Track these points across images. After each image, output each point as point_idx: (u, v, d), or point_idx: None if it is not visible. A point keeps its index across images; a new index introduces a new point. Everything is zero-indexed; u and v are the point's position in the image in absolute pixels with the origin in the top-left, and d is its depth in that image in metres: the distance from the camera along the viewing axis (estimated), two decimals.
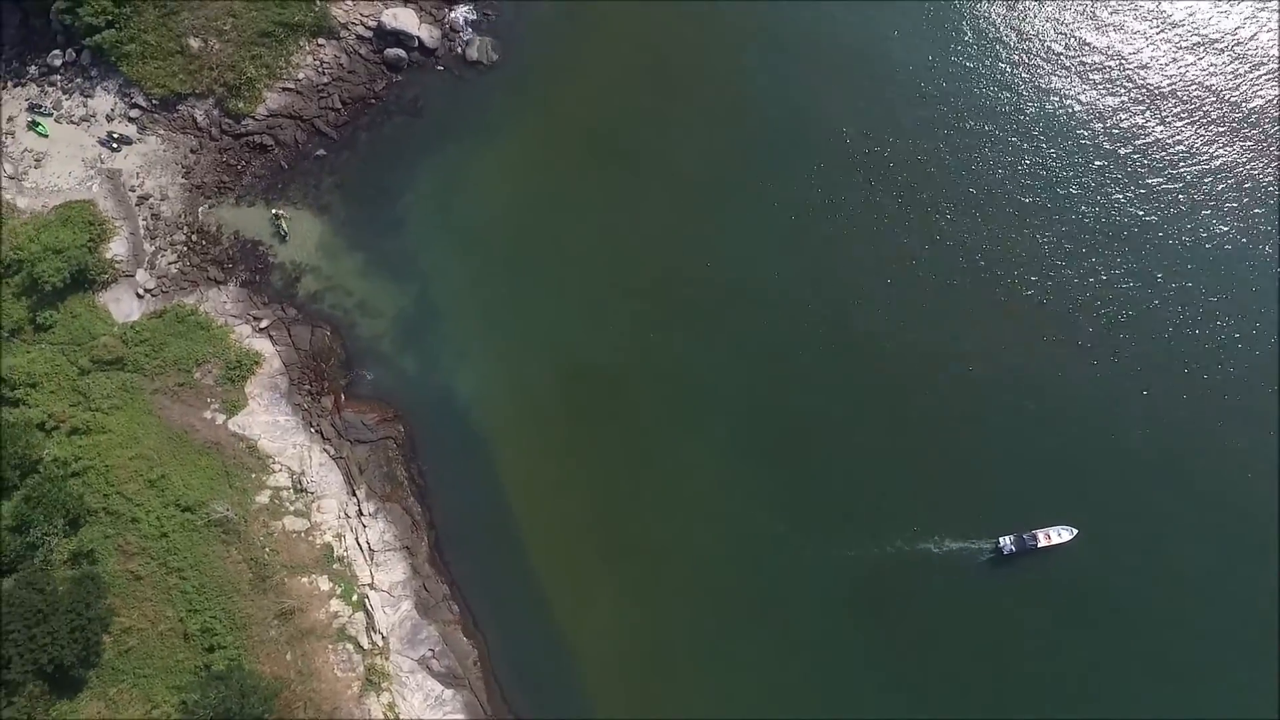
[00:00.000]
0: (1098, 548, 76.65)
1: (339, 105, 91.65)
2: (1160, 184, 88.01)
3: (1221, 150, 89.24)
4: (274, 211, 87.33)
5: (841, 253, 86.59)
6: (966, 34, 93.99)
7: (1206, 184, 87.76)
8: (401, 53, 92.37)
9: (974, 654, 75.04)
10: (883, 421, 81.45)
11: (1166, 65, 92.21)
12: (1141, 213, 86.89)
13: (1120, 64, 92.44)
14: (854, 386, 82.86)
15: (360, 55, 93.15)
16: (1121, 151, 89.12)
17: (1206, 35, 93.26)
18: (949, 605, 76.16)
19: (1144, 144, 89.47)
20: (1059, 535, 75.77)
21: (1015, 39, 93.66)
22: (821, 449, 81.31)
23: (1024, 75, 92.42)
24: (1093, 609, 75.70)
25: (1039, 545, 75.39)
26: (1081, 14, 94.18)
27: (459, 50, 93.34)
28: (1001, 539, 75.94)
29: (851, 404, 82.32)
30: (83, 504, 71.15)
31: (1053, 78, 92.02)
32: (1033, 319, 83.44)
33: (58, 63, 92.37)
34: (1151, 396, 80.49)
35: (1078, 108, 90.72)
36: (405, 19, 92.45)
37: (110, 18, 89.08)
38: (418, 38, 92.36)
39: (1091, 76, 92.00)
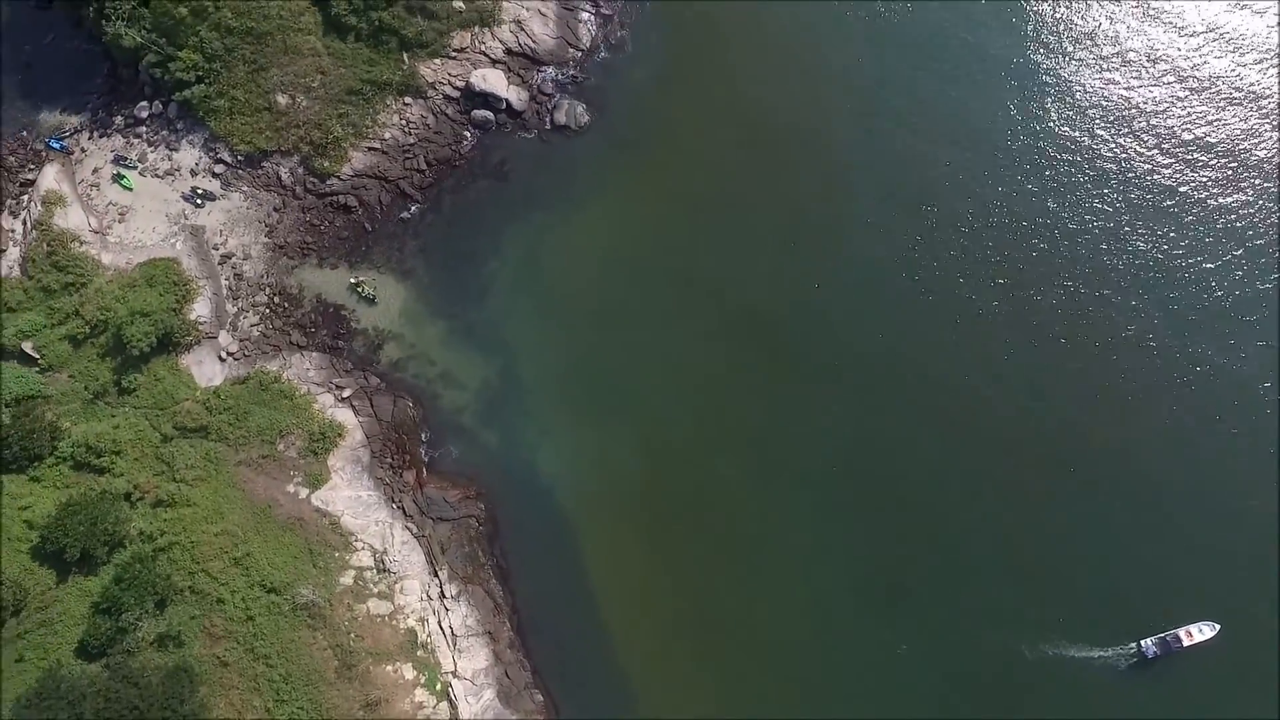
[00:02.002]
0: (1242, 643, 73.43)
1: (424, 166, 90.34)
2: None
3: None
4: (353, 279, 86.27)
5: (943, 320, 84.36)
6: (1062, 109, 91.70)
7: None
8: (489, 114, 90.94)
9: None
10: (990, 503, 78.93)
11: None
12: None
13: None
14: (962, 464, 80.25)
15: (447, 115, 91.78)
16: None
17: None
18: None
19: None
20: (1201, 632, 72.76)
21: (1108, 131, 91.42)
22: (922, 532, 78.75)
23: (1124, 163, 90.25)
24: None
25: (1183, 645, 72.47)
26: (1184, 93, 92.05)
27: (547, 113, 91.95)
28: (1143, 641, 72.92)
29: (958, 483, 79.86)
30: (170, 584, 70.24)
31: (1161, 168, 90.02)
32: (1156, 396, 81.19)
33: (144, 114, 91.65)
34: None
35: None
36: (494, 80, 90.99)
37: (201, 73, 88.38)
38: (506, 100, 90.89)
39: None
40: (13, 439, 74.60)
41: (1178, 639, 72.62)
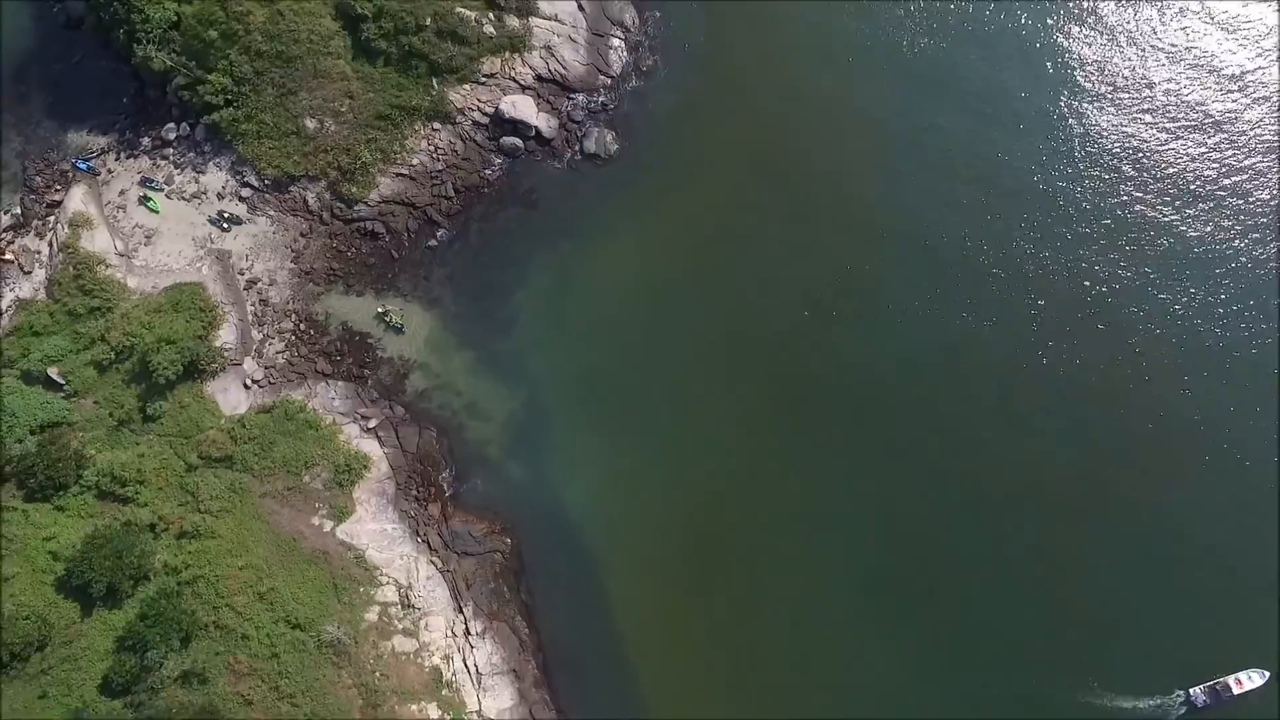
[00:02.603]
0: None
1: (452, 193, 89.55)
2: None
3: None
4: (380, 309, 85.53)
5: (972, 365, 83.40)
6: (1085, 146, 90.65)
7: None
8: (518, 142, 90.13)
9: None
10: (1024, 551, 77.65)
11: None
12: None
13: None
14: (995, 511, 78.97)
15: (475, 142, 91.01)
16: None
17: None
18: None
19: None
20: (1251, 680, 71.61)
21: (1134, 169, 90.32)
22: (961, 582, 77.58)
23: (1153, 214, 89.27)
24: None
25: (1233, 694, 71.25)
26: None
27: (576, 141, 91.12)
28: (1192, 690, 71.89)
29: (991, 529, 78.60)
30: (195, 620, 69.57)
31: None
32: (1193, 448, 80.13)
33: (171, 136, 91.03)
34: None
35: None
36: (524, 107, 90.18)
37: (229, 96, 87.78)
38: (535, 127, 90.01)
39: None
40: (38, 468, 73.99)
41: (1227, 687, 71.49)
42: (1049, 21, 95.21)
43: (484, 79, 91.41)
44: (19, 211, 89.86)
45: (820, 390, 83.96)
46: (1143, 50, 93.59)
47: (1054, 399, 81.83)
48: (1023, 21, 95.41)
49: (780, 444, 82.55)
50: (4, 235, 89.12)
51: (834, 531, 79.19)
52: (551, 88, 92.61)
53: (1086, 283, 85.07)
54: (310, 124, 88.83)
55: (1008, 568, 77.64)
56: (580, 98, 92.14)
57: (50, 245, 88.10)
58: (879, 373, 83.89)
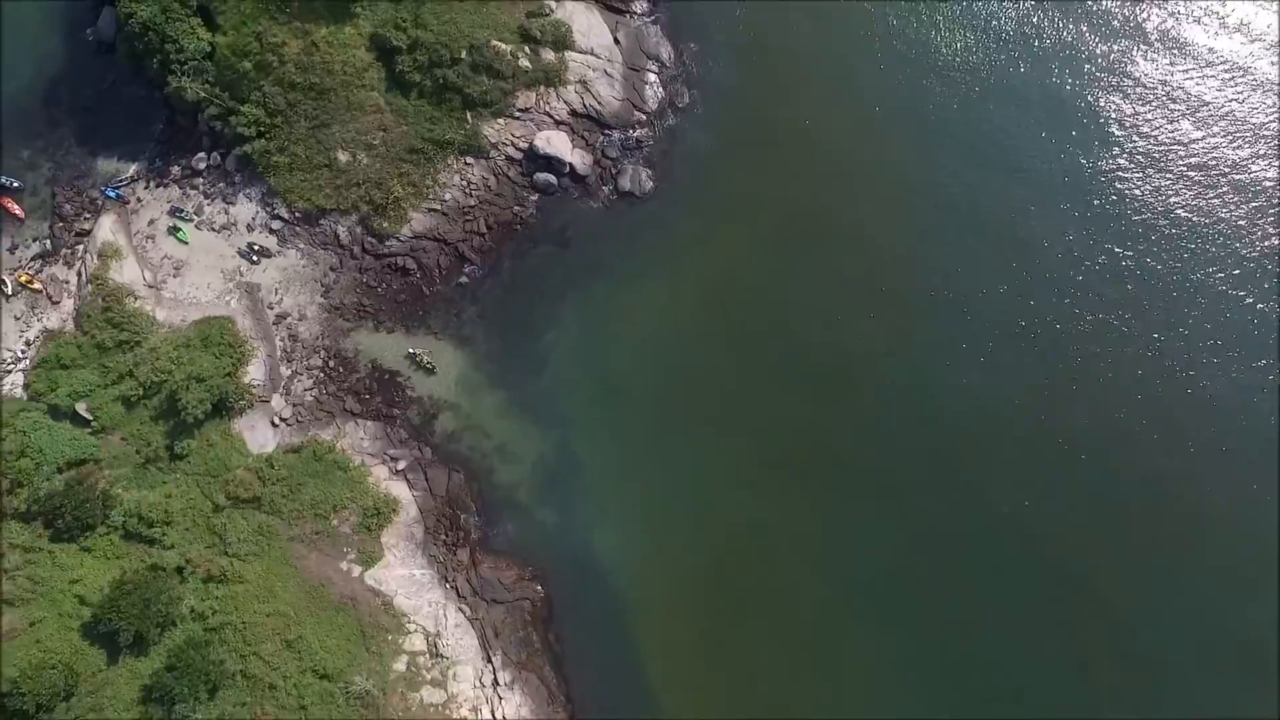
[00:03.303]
0: None
1: (484, 230, 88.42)
2: None
3: None
4: (411, 350, 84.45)
5: (987, 416, 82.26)
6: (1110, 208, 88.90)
7: None
8: (552, 178, 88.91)
9: None
10: (1061, 610, 77.11)
11: None
12: None
13: None
14: (1025, 564, 78.24)
15: (509, 177, 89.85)
16: None
17: None
18: None
19: None
20: None
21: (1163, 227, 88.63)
22: (991, 634, 76.83)
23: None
24: None
25: None
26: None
27: (610, 178, 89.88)
28: None
29: (1023, 584, 77.75)
30: (223, 670, 68.64)
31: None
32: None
33: (202, 166, 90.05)
34: None
35: None
36: (559, 143, 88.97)
37: (261, 128, 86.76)
38: (569, 164, 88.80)
39: None
40: (66, 509, 73.20)
41: None
42: (1085, 79, 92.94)
43: (518, 113, 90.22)
44: (48, 240, 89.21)
45: (849, 439, 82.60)
46: (1183, 110, 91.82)
47: (1093, 458, 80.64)
48: (1059, 80, 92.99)
49: (810, 493, 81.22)
50: (32, 264, 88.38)
51: (864, 580, 78.22)
52: (586, 123, 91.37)
53: (1126, 348, 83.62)
54: (342, 157, 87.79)
55: (1047, 624, 76.88)
56: (615, 134, 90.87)
57: (79, 275, 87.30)
58: (905, 424, 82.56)
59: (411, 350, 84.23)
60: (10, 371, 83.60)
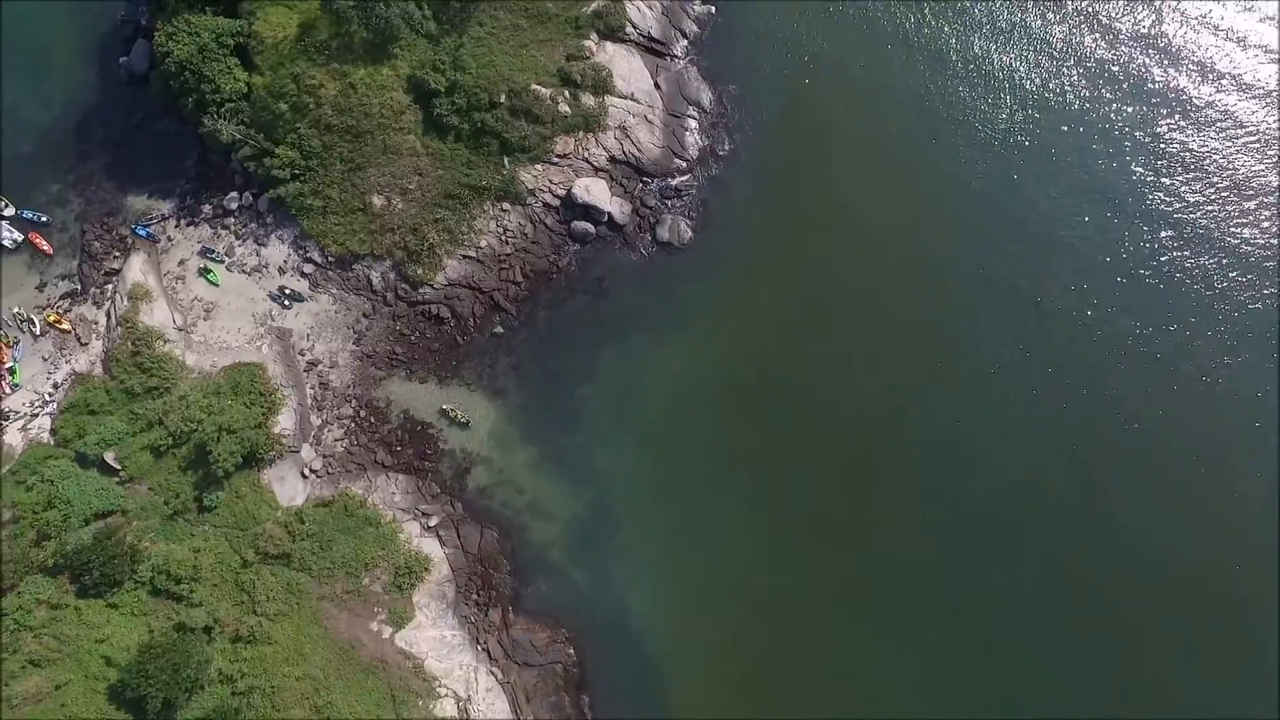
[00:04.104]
0: None
1: (520, 278, 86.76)
2: None
3: None
4: (445, 406, 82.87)
5: (1053, 472, 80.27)
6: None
7: None
8: (589, 227, 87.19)
9: None
10: (1099, 660, 75.85)
11: None
12: None
13: None
14: (1072, 616, 76.59)
15: (545, 225, 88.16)
16: None
17: None
18: None
19: None
20: None
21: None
22: (1029, 687, 75.34)
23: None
24: None
25: None
26: None
27: (649, 227, 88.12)
28: None
29: (1065, 634, 76.23)
30: None
31: None
32: None
33: (233, 206, 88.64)
34: None
35: None
36: (598, 192, 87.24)
37: (296, 170, 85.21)
38: (608, 213, 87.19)
39: None
40: (94, 564, 71.84)
41: None
42: (1133, 163, 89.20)
43: (556, 159, 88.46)
44: (76, 279, 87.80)
45: (884, 509, 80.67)
46: (1224, 187, 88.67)
47: (1142, 501, 79.16)
48: (1104, 160, 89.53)
49: (848, 561, 79.55)
50: (61, 303, 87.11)
51: (904, 643, 76.60)
52: (625, 170, 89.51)
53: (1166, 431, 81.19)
54: (378, 201, 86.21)
55: (1085, 674, 75.57)
56: (654, 182, 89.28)
57: (108, 316, 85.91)
58: (944, 494, 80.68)
59: (445, 407, 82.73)
60: (37, 415, 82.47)
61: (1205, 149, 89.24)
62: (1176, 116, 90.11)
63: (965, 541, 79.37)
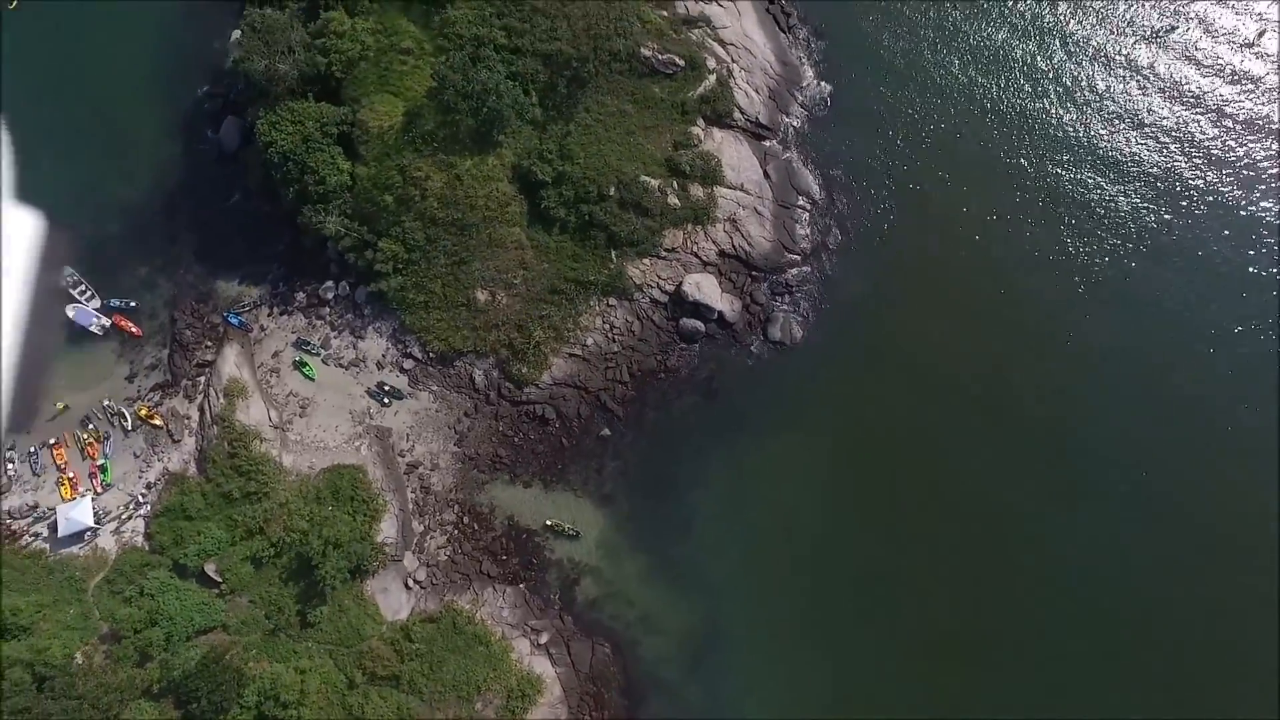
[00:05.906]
0: None
1: (626, 377, 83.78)
2: None
3: None
4: (550, 521, 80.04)
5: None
6: None
7: None
8: (699, 324, 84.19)
9: None
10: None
11: None
12: None
13: None
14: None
15: (653, 321, 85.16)
16: None
17: None
18: None
19: None
20: None
21: None
22: None
23: None
24: None
25: None
26: None
27: (759, 325, 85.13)
28: None
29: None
30: None
31: None
32: None
33: (329, 295, 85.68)
34: None
35: None
36: (708, 289, 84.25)
37: (399, 264, 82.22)
38: (719, 311, 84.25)
39: None
40: (201, 692, 69.03)
41: None
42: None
43: (665, 253, 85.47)
44: (167, 370, 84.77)
45: (1016, 617, 78.26)
46: None
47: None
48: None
49: (969, 681, 76.98)
50: (151, 395, 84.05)
51: None
52: (735, 264, 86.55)
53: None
54: (481, 296, 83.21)
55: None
56: (765, 277, 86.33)
57: (201, 411, 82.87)
58: (1066, 600, 78.16)
59: (550, 521, 79.90)
60: (131, 517, 79.58)
61: None
62: None
63: (1097, 678, 76.43)
